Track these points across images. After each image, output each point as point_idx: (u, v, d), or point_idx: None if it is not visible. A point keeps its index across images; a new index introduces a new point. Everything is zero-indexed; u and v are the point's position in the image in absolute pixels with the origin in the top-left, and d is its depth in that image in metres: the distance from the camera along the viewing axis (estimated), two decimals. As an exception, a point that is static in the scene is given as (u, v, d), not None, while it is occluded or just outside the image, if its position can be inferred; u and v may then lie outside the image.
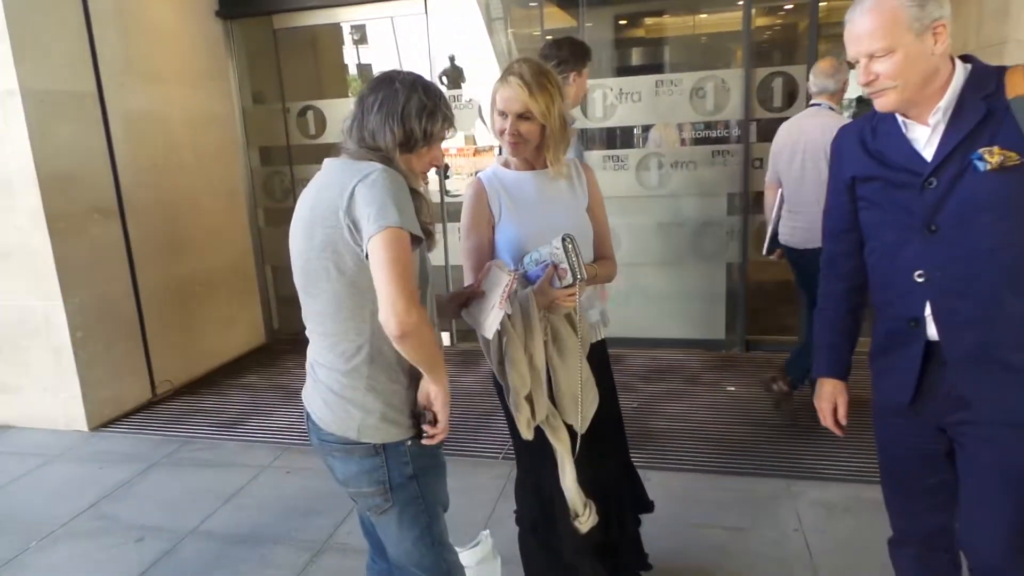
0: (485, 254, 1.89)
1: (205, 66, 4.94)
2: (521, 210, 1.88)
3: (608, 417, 2.01)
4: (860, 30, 1.44)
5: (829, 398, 1.77)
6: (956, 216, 1.46)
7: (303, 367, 1.68)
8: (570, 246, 1.72)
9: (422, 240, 1.50)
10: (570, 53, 2.74)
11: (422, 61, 4.89)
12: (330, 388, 1.56)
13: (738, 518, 2.81)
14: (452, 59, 5.60)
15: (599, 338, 2.11)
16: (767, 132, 4.95)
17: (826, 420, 1.79)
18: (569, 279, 1.73)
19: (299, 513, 3.03)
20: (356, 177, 1.45)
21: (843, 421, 1.77)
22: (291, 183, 5.39)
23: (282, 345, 5.46)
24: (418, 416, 1.57)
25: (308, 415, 1.63)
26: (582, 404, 1.82)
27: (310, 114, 5.23)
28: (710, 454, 3.35)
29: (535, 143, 1.85)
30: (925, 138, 1.50)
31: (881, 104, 1.49)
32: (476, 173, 1.99)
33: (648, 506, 2.29)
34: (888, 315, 1.63)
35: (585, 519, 1.89)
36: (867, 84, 1.48)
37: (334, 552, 2.71)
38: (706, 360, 4.61)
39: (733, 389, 4.12)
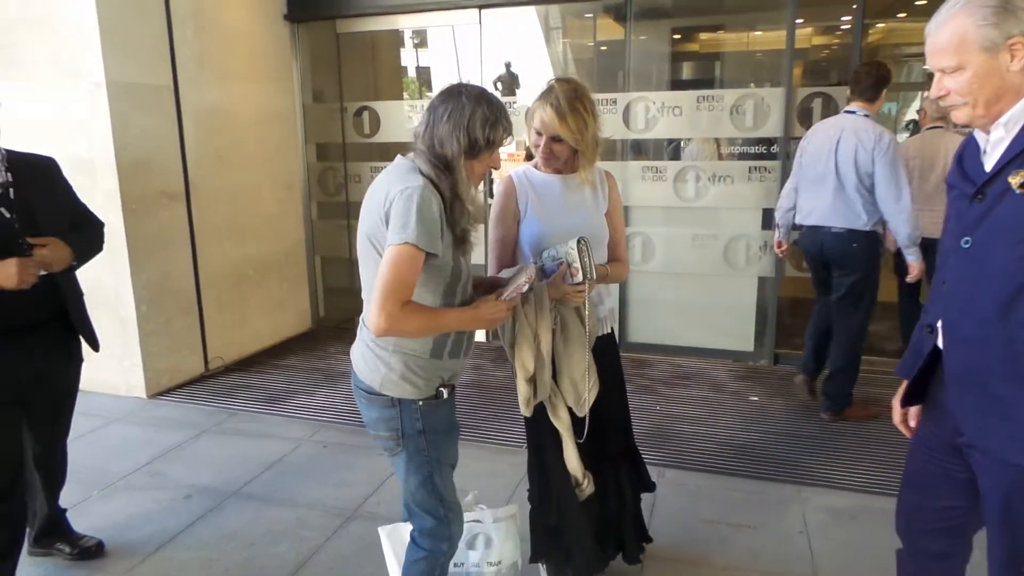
0: (509, 246, 2.08)
1: (271, 66, 5.26)
2: (545, 209, 2.06)
3: (613, 403, 2.16)
4: (932, 45, 1.43)
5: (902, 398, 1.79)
6: (986, 233, 1.44)
7: (344, 353, 1.94)
8: (584, 248, 1.90)
9: (437, 255, 1.68)
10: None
11: (476, 68, 5.12)
12: (367, 343, 1.81)
13: (745, 517, 2.93)
14: (508, 66, 5.81)
15: (606, 331, 2.23)
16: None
17: (895, 418, 1.81)
18: (580, 277, 1.91)
19: (332, 483, 3.26)
20: (398, 187, 1.67)
21: (912, 423, 1.78)
22: (344, 179, 5.67)
23: (326, 332, 5.75)
24: (441, 384, 1.82)
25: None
26: (588, 389, 2.00)
27: (366, 114, 5.51)
28: (726, 457, 3.47)
29: (565, 159, 2.04)
30: (991, 151, 1.47)
31: (955, 117, 1.49)
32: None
33: (649, 485, 2.41)
34: (923, 320, 1.67)
35: (584, 487, 2.08)
36: (939, 98, 1.48)
37: (363, 519, 2.92)
38: (732, 370, 4.71)
39: (757, 399, 4.22)
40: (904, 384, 1.77)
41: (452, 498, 1.91)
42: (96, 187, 3.96)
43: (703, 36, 7.16)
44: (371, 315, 1.64)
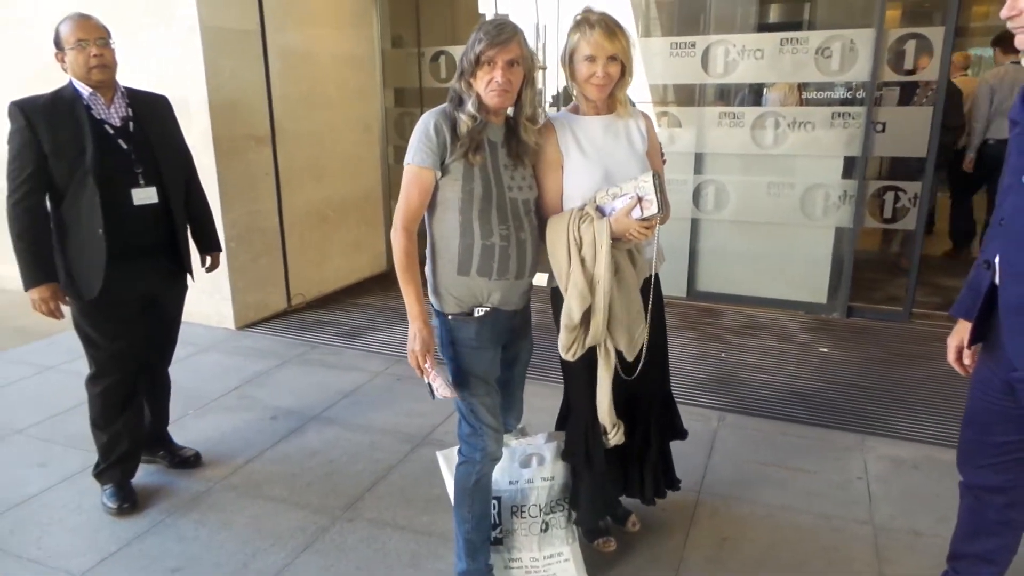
0: (554, 191, 2.07)
1: (352, 11, 5.37)
2: (587, 151, 2.05)
3: (655, 346, 2.16)
4: None
5: (957, 336, 1.83)
6: None
7: (416, 294, 2.06)
8: (658, 183, 1.92)
9: (437, 171, 1.88)
10: None
11: (554, 12, 5.07)
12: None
13: (804, 462, 2.96)
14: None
15: (653, 272, 2.21)
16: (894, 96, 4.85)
17: (949, 356, 1.86)
18: (652, 210, 1.92)
19: (404, 413, 3.45)
20: None
21: (967, 361, 1.82)
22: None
23: (401, 273, 5.94)
24: (477, 304, 1.97)
25: None
26: (641, 332, 2.05)
27: (442, 59, 5.56)
28: (789, 404, 3.48)
29: (614, 84, 2.04)
30: None
31: (1020, 41, 1.47)
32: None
33: (681, 433, 2.39)
34: (981, 258, 1.69)
35: (613, 435, 2.14)
36: (1010, 17, 1.46)
37: (432, 445, 3.10)
38: (804, 321, 4.65)
39: (826, 350, 4.17)
40: (958, 323, 1.80)
41: (485, 415, 2.03)
42: (190, 129, 4.17)
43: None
44: (393, 226, 1.91)
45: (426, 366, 1.92)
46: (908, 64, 4.31)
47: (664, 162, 2.32)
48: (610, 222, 1.93)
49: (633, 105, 2.17)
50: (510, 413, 2.29)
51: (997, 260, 1.59)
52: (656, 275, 2.21)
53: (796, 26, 5.74)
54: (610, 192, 1.99)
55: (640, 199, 1.92)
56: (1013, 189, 1.55)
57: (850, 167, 4.57)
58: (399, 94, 5.97)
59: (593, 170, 2.05)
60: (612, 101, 2.10)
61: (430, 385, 1.95)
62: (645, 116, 2.19)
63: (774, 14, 6.43)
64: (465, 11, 7.00)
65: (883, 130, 4.42)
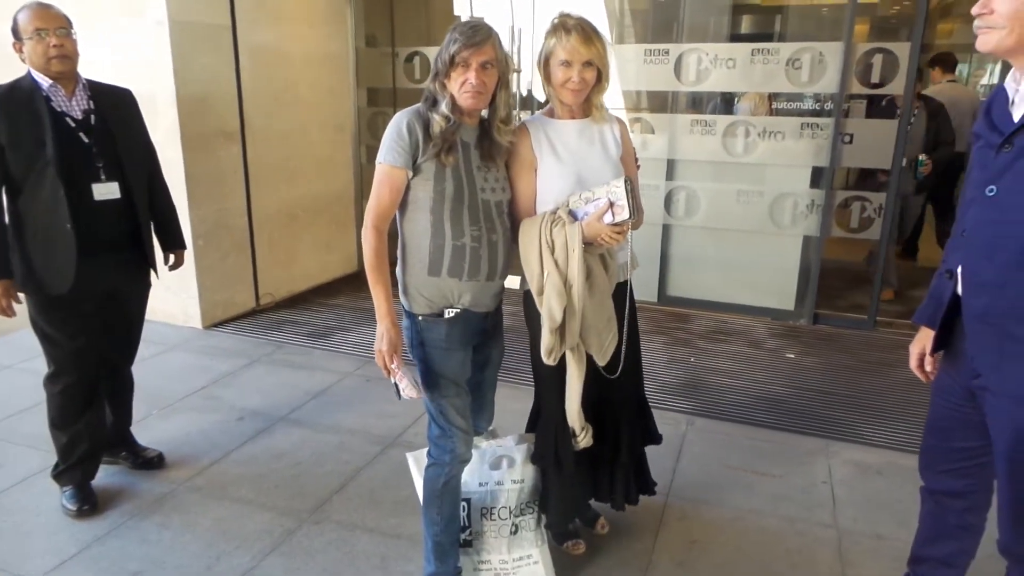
0: (527, 195, 2.07)
1: (325, 9, 5.32)
2: (561, 155, 2.06)
3: (626, 352, 2.17)
4: None
5: (919, 344, 1.86)
6: (1012, 181, 1.46)
7: (388, 295, 2.04)
8: (630, 188, 1.93)
9: (409, 170, 1.88)
10: None
11: (529, 15, 5.07)
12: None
13: (771, 466, 3.00)
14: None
15: (626, 278, 2.23)
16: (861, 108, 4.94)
17: (912, 363, 1.88)
18: (623, 216, 1.94)
19: (374, 414, 3.42)
20: None
21: (928, 368, 1.85)
22: (390, 125, 5.74)
23: (372, 274, 5.89)
24: (448, 305, 1.97)
25: None
26: (610, 338, 2.05)
27: (416, 59, 5.54)
28: (756, 409, 3.52)
29: (590, 89, 2.05)
30: (1020, 102, 1.48)
31: (982, 42, 1.46)
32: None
33: (655, 438, 2.40)
34: (943, 268, 1.73)
35: (582, 438, 2.14)
36: (979, 15, 1.45)
37: (401, 447, 3.08)
38: (771, 327, 4.72)
39: (793, 356, 4.24)
40: (920, 330, 1.86)
41: (454, 416, 2.02)
42: (157, 124, 4.10)
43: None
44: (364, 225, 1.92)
45: (393, 366, 1.91)
46: (875, 78, 4.41)
47: (638, 167, 2.34)
48: (582, 226, 1.94)
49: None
50: (481, 415, 2.29)
51: (959, 270, 1.62)
52: (629, 281, 2.22)
53: (767, 37, 5.83)
54: (583, 196, 2.00)
55: (612, 204, 1.93)
56: (976, 201, 1.57)
57: (818, 177, 4.66)
58: (372, 94, 5.93)
59: (566, 174, 2.05)
60: (587, 105, 2.11)
61: (396, 385, 1.94)
62: (620, 121, 2.19)
63: (746, 25, 6.53)
64: (440, 12, 6.98)
65: (851, 141, 4.51)
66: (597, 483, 2.33)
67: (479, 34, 1.83)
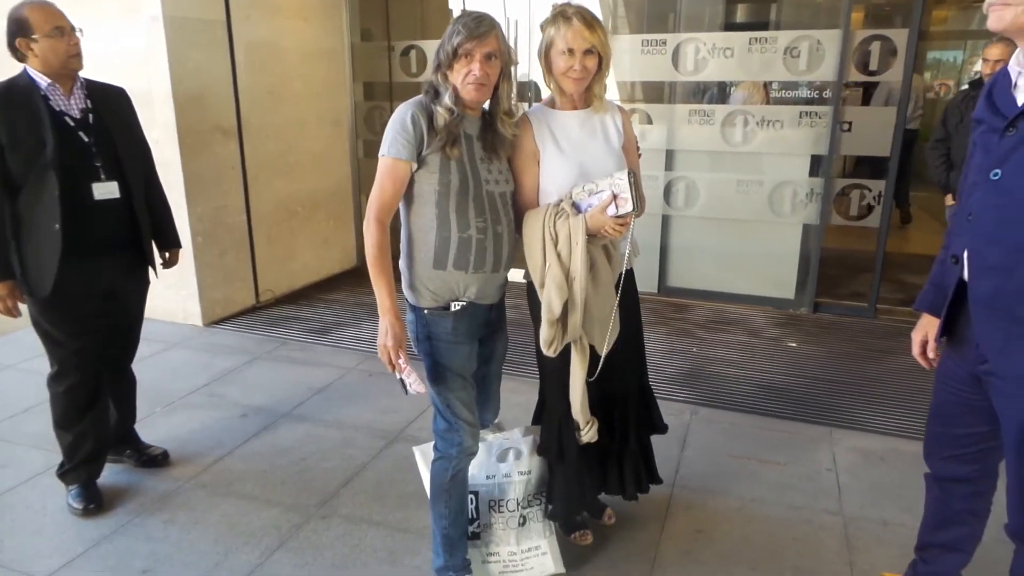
0: (530, 186, 2.06)
1: (320, 3, 5.29)
2: (563, 146, 2.05)
3: (630, 341, 2.17)
4: None
5: (921, 331, 1.87)
6: (1017, 164, 1.46)
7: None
8: (633, 180, 1.93)
9: (413, 162, 1.87)
10: None
11: (525, 7, 5.05)
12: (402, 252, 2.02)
13: (775, 454, 3.01)
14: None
15: (628, 267, 2.19)
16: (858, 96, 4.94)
17: (914, 350, 1.89)
18: (627, 208, 1.93)
19: (378, 409, 3.42)
20: None
21: (930, 354, 1.86)
22: (389, 118, 5.71)
23: (372, 269, 5.89)
24: (454, 298, 1.95)
25: None
26: (611, 329, 2.04)
27: (413, 53, 5.52)
28: (759, 398, 3.53)
29: (591, 77, 2.04)
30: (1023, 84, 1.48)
31: (996, 19, 1.45)
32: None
33: (660, 428, 2.39)
34: (946, 253, 1.72)
35: (586, 432, 2.14)
36: None
37: (405, 442, 3.08)
38: (772, 316, 4.73)
39: (795, 345, 4.24)
40: (922, 317, 1.86)
41: (461, 410, 2.01)
42: (154, 121, 4.10)
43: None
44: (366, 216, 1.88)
45: (399, 362, 1.90)
46: (873, 65, 4.41)
47: (639, 156, 2.33)
48: (585, 218, 1.94)
49: None
50: (487, 408, 2.29)
51: (965, 255, 1.61)
52: (631, 270, 2.21)
53: (764, 26, 5.81)
54: (586, 188, 1.99)
55: (615, 196, 1.92)
56: (979, 185, 1.57)
57: (817, 165, 4.66)
58: (369, 88, 5.91)
59: (569, 166, 2.05)
60: (588, 95, 2.09)
61: (402, 380, 1.92)
62: (622, 110, 2.19)
63: (743, 14, 6.50)
64: (435, 6, 6.95)
65: (849, 129, 4.51)
66: (606, 477, 2.33)
67: (483, 25, 1.83)
